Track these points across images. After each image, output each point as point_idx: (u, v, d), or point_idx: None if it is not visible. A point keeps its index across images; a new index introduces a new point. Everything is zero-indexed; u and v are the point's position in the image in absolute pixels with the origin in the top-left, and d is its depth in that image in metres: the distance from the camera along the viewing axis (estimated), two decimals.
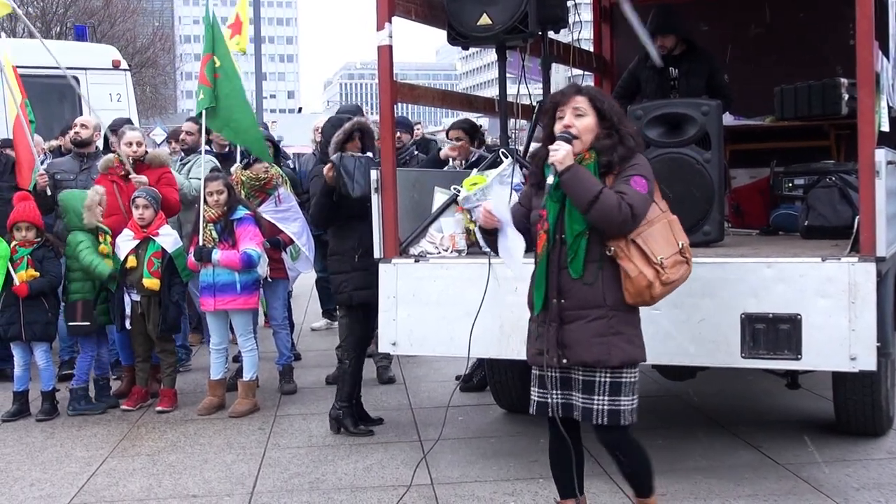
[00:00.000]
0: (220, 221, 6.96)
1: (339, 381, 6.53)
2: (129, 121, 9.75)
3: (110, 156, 7.90)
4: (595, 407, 4.04)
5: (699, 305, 4.85)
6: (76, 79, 8.85)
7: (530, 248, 4.23)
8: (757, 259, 4.89)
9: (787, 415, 6.57)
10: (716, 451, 5.78)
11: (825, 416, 6.21)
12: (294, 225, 7.52)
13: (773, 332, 4.74)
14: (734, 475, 5.35)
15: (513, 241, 4.15)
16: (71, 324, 7.13)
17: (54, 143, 9.83)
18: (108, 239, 7.21)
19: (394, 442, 6.24)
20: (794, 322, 4.69)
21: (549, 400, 4.16)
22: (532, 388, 4.24)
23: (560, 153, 3.96)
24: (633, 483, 4.32)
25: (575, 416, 4.12)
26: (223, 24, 8.03)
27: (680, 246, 4.09)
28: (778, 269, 4.78)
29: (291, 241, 7.58)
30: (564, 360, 4.04)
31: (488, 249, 4.53)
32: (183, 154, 9.00)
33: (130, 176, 7.50)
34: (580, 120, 4.05)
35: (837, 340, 4.63)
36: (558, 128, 4.08)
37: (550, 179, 4.02)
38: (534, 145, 6.58)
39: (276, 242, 7.45)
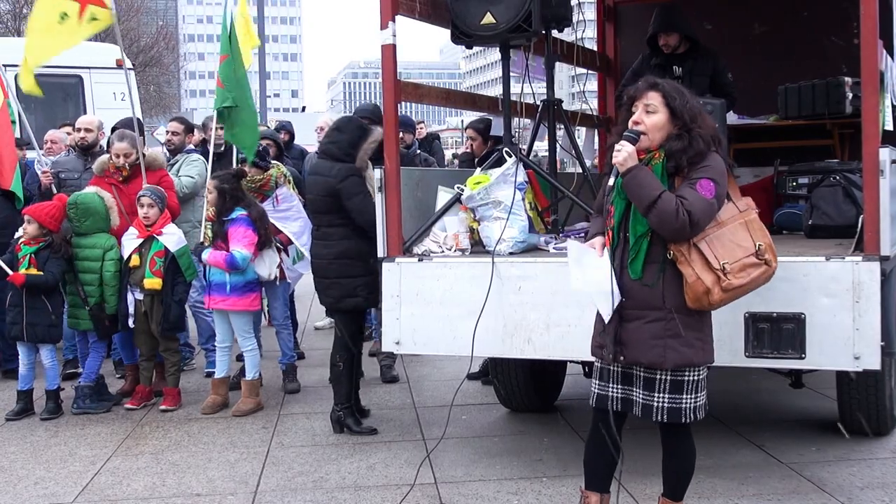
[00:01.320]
0: (214, 222, 6.98)
1: (335, 384, 6.53)
2: (138, 121, 9.75)
3: (105, 157, 7.83)
4: (655, 404, 4.03)
5: None
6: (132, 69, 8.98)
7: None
8: None
9: (790, 414, 6.57)
10: (719, 451, 5.77)
11: (829, 416, 6.20)
12: (294, 224, 7.50)
13: (776, 332, 4.73)
14: (738, 474, 5.35)
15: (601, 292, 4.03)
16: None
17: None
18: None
19: (397, 441, 6.25)
20: (797, 321, 4.68)
21: (609, 394, 4.14)
22: (592, 381, 4.22)
23: (621, 155, 3.90)
24: (670, 484, 4.30)
25: (634, 411, 4.10)
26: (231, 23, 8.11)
27: (757, 247, 3.98)
28: (782, 268, 4.73)
29: (289, 242, 7.58)
30: (622, 358, 4.02)
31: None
32: (169, 154, 8.95)
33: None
34: (650, 117, 3.96)
35: (841, 340, 4.62)
36: (630, 123, 4.02)
37: (612, 181, 3.97)
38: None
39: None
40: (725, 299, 3.95)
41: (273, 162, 7.78)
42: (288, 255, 7.66)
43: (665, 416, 4.02)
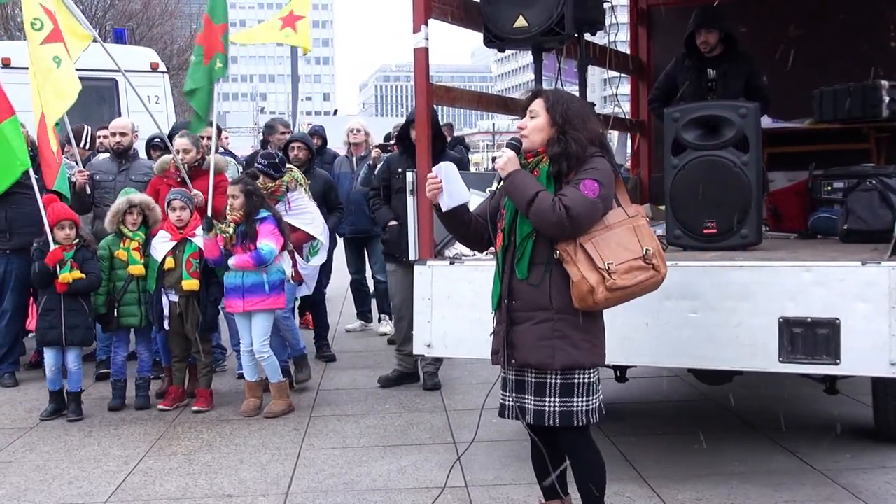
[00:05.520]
0: (242, 223, 6.97)
1: None
2: (184, 126, 9.83)
3: (167, 157, 7.98)
4: (547, 409, 4.06)
5: (736, 309, 4.81)
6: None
7: (491, 244, 4.31)
8: (795, 263, 4.85)
9: (824, 420, 6.50)
10: (753, 457, 5.73)
11: (864, 422, 6.14)
12: (309, 227, 7.59)
13: (811, 337, 4.69)
14: (771, 481, 5.30)
15: (451, 187, 4.18)
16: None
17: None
18: (133, 244, 7.25)
19: (428, 444, 6.25)
20: (832, 326, 4.64)
21: (507, 402, 4.20)
22: (500, 390, 4.30)
23: (501, 160, 4.06)
24: (582, 491, 4.25)
25: (527, 419, 4.13)
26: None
27: (644, 252, 4.02)
28: (816, 273, 4.73)
29: (302, 242, 7.66)
30: (513, 361, 4.09)
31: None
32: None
33: (193, 192, 7.55)
34: (532, 121, 4.11)
35: (877, 345, 4.57)
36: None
37: (494, 185, 4.15)
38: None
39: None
40: (611, 299, 3.98)
41: (287, 166, 7.83)
42: (301, 256, 7.69)
43: (557, 421, 4.05)
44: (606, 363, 4.27)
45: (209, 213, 7.17)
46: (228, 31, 7.80)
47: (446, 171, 4.17)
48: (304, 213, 7.61)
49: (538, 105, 4.11)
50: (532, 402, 4.11)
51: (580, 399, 4.04)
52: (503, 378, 4.22)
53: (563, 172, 4.01)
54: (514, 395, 4.17)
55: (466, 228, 4.31)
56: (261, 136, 10.20)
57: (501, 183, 4.09)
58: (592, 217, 3.95)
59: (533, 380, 4.10)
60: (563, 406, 4.04)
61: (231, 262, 6.96)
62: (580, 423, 4.06)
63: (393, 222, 7.61)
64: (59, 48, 7.17)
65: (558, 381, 4.04)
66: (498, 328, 4.18)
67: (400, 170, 7.59)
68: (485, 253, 5.62)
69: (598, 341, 4.11)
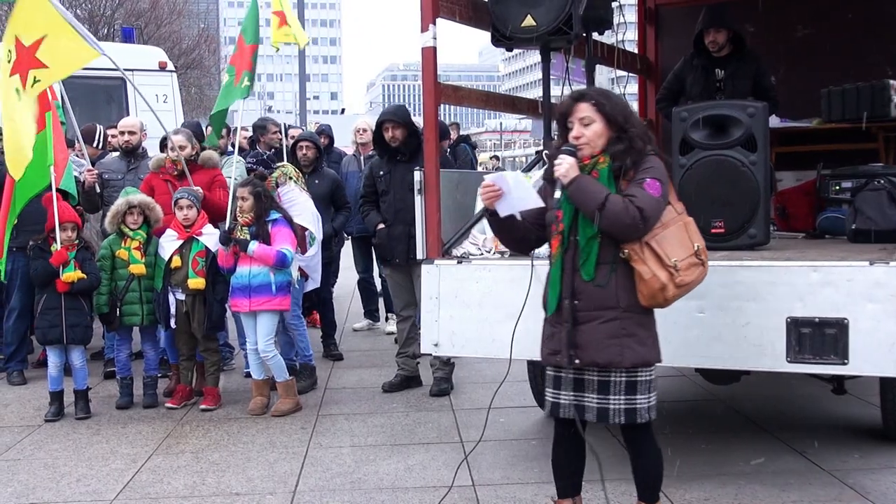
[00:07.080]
0: (253, 224, 6.96)
1: None
2: (198, 124, 9.83)
3: (162, 155, 8.00)
4: (611, 407, 4.09)
5: (744, 309, 4.81)
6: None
7: (541, 244, 4.32)
8: (803, 262, 4.84)
9: (832, 420, 6.50)
10: (760, 457, 5.72)
11: (872, 422, 6.13)
12: (300, 218, 7.56)
13: (819, 337, 4.69)
14: (779, 481, 5.29)
15: (519, 194, 4.17)
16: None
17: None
18: (133, 244, 7.25)
19: (435, 443, 6.25)
20: (840, 326, 4.63)
21: (561, 401, 4.21)
22: (546, 389, 4.29)
23: (562, 167, 4.01)
24: (641, 485, 4.29)
25: (587, 417, 4.15)
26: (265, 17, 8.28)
27: (696, 248, 4.10)
28: (824, 273, 4.72)
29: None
30: (577, 361, 4.08)
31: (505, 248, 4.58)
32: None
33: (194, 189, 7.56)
34: (588, 129, 4.06)
35: (885, 345, 4.57)
36: (571, 139, 4.11)
37: (558, 193, 4.08)
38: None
39: None
40: (677, 295, 4.05)
41: (279, 164, 7.83)
42: (303, 250, 7.68)
43: (623, 418, 4.08)
44: None
45: (227, 225, 7.16)
46: (258, 51, 7.88)
47: (515, 180, 4.16)
48: (293, 205, 7.55)
49: (588, 110, 4.06)
50: (595, 401, 4.11)
51: (643, 396, 4.08)
52: (554, 376, 4.21)
53: (627, 168, 4.02)
54: (571, 393, 4.17)
55: (515, 232, 4.35)
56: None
57: (563, 191, 4.04)
58: (659, 216, 4.01)
59: (595, 378, 4.10)
60: (629, 403, 4.07)
61: (252, 247, 6.84)
62: (644, 420, 4.09)
63: (381, 225, 7.60)
64: (16, 80, 7.02)
65: (623, 379, 4.06)
66: (556, 329, 4.14)
67: (381, 172, 7.59)
68: (491, 252, 5.65)
69: (657, 338, 4.16)
